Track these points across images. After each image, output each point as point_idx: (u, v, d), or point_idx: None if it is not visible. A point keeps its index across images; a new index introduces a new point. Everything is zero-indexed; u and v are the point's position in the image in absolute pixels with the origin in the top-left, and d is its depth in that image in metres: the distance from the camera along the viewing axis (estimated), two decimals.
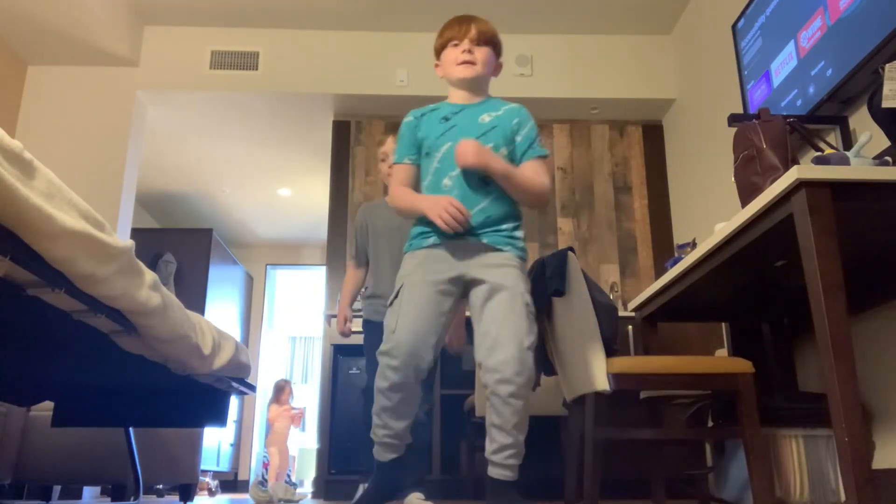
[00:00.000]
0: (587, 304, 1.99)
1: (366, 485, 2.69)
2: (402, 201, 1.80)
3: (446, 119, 1.83)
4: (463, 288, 1.76)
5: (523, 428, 1.65)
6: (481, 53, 1.86)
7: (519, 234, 1.79)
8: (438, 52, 1.94)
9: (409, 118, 1.88)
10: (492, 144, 1.78)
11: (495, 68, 1.93)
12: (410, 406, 1.72)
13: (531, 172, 1.78)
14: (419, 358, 1.65)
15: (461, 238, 1.72)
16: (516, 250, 1.76)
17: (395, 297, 1.75)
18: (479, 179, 1.75)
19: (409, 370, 1.65)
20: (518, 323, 1.65)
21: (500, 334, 1.64)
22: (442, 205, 1.66)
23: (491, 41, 1.89)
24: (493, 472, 1.66)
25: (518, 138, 1.83)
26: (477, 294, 1.72)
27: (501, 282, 1.69)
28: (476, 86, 1.88)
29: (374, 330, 2.71)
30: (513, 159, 1.81)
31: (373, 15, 4.42)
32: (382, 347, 1.68)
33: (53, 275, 1.31)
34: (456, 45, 1.88)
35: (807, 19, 2.68)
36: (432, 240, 1.75)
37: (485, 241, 1.73)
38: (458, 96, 1.89)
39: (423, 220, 1.78)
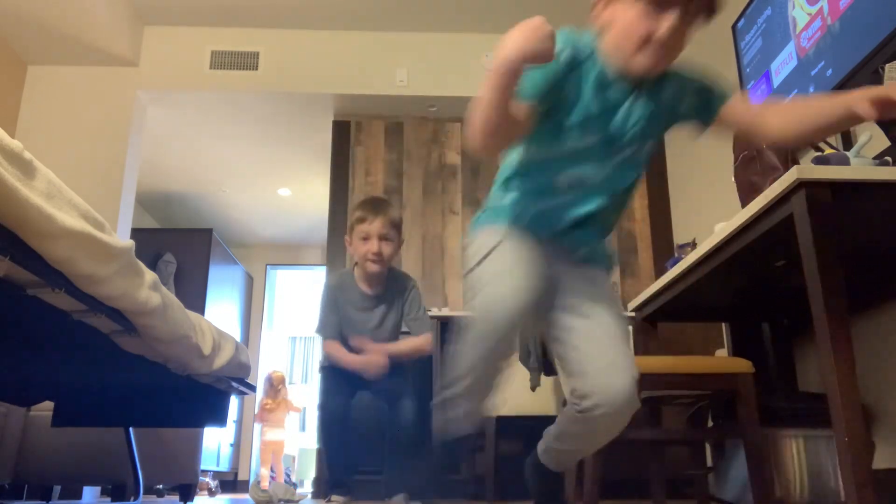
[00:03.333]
0: None
1: (338, 496, 2.60)
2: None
3: None
4: (546, 292, 1.34)
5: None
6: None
7: (609, 246, 1.52)
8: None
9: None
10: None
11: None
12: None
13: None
14: (513, 333, 1.26)
15: (557, 241, 1.39)
16: (609, 264, 1.51)
17: (479, 262, 1.31)
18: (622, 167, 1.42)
19: (504, 339, 1.23)
20: (627, 349, 1.36)
21: (615, 359, 1.32)
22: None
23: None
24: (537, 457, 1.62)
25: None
26: (573, 305, 1.38)
27: (601, 297, 1.41)
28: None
29: (331, 373, 2.59)
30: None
31: (373, 15, 4.41)
32: (475, 326, 1.23)
33: (53, 275, 1.31)
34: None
35: (805, 21, 2.68)
36: (523, 224, 1.36)
37: (579, 251, 1.43)
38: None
39: (518, 192, 1.39)
